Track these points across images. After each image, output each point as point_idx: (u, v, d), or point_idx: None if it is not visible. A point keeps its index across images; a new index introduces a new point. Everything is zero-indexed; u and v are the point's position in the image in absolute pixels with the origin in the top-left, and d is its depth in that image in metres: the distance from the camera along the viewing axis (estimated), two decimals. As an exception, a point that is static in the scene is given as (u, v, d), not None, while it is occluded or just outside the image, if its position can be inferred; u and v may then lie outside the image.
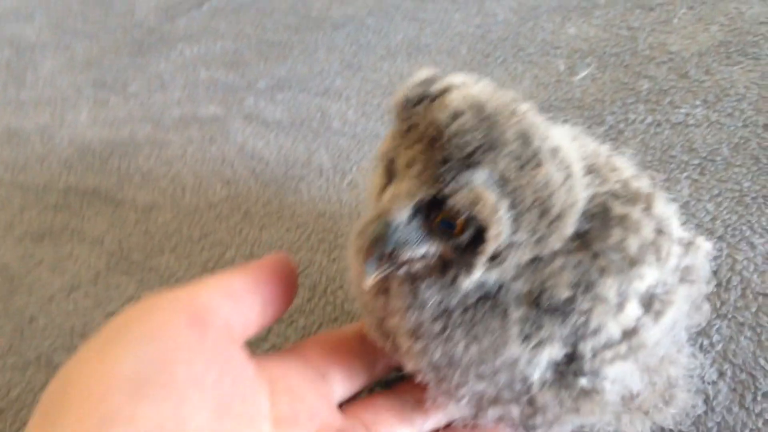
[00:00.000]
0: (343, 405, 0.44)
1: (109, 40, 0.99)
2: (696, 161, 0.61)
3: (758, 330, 0.49)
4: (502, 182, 0.31)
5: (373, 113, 0.76)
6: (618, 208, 0.35)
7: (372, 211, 0.35)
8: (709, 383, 0.47)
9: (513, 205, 0.31)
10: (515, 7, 0.88)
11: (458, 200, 0.31)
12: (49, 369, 0.56)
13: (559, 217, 0.33)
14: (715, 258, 0.53)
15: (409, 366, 0.38)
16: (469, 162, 0.31)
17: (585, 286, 0.34)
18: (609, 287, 0.34)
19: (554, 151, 0.32)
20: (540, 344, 0.34)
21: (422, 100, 0.33)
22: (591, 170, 0.36)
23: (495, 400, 0.37)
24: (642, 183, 0.38)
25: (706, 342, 0.49)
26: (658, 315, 0.36)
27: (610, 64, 0.79)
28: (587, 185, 0.35)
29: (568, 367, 0.35)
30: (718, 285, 0.51)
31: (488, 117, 0.31)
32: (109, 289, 0.62)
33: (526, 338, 0.34)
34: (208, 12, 1.02)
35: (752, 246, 0.53)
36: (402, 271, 0.34)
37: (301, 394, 0.40)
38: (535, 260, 0.34)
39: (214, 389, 0.33)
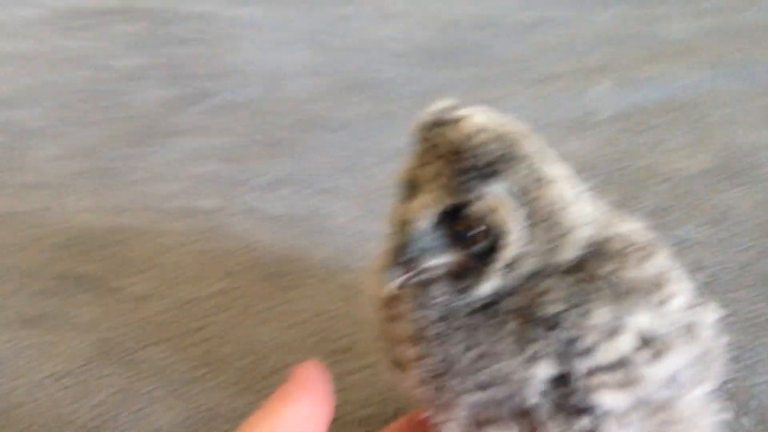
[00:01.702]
0: None
1: (107, 131, 1.01)
2: (705, 279, 0.62)
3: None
4: (520, 193, 0.35)
5: (372, 213, 0.78)
6: (617, 244, 0.38)
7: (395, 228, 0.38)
8: None
9: (528, 216, 0.35)
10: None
11: (477, 209, 0.34)
12: (35, 458, 0.54)
13: (568, 231, 0.36)
14: (731, 380, 0.53)
15: (413, 387, 0.39)
16: (489, 172, 0.35)
17: (577, 303, 0.36)
18: (601, 308, 0.36)
19: (563, 176, 0.37)
20: (533, 358, 0.36)
21: (443, 123, 0.36)
22: (596, 218, 0.39)
23: (493, 419, 0.38)
24: (648, 236, 0.41)
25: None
26: (657, 355, 0.37)
27: (600, 185, 0.82)
28: (591, 220, 0.38)
29: (566, 394, 0.36)
30: (736, 410, 0.51)
31: (507, 134, 0.36)
32: (99, 378, 0.60)
33: (521, 351, 0.36)
34: (207, 108, 1.06)
35: (769, 368, 0.54)
36: (422, 277, 0.37)
37: None
38: (533, 276, 0.37)
39: None
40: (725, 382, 0.51)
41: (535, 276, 0.37)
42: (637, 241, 0.40)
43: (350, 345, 0.62)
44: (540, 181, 0.36)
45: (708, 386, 0.43)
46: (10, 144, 0.98)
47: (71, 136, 0.99)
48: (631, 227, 0.41)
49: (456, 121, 0.37)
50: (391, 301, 0.40)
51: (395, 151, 0.88)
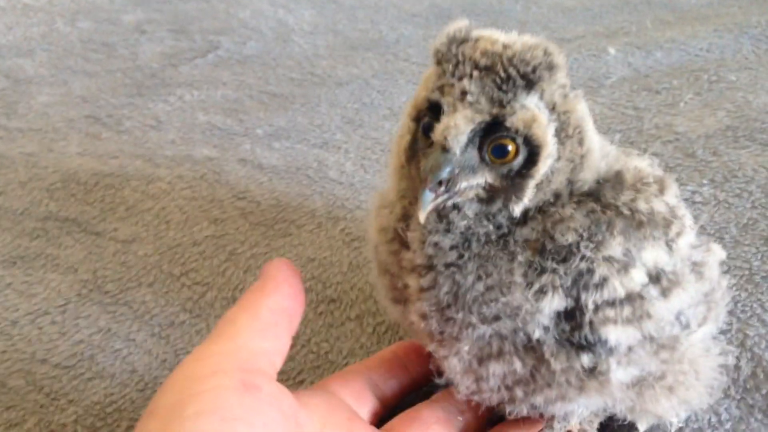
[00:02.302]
0: (390, 421, 0.44)
1: (108, 80, 0.99)
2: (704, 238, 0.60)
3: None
4: (550, 106, 0.35)
5: (371, 167, 0.75)
6: (632, 177, 0.38)
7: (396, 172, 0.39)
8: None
9: (558, 130, 0.35)
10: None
11: (516, 120, 0.34)
12: (2, 391, 0.53)
13: (590, 150, 0.36)
14: (725, 332, 0.51)
15: (416, 321, 0.39)
16: (527, 83, 0.34)
17: (590, 234, 0.35)
18: (615, 240, 0.35)
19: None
20: (542, 291, 0.35)
21: (467, 40, 0.36)
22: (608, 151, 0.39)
23: (497, 354, 0.37)
24: (659, 171, 0.40)
25: (714, 419, 0.46)
26: (666, 291, 0.36)
27: (615, 141, 0.79)
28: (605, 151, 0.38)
29: (572, 329, 0.36)
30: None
31: (545, 46, 0.35)
32: (78, 318, 0.59)
33: (529, 284, 0.35)
34: (212, 61, 1.03)
35: (763, 323, 0.52)
36: (453, 201, 0.35)
37: (349, 427, 0.41)
38: (547, 206, 0.36)
39: None
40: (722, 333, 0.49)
41: (549, 206, 0.36)
42: (651, 175, 0.39)
43: (338, 295, 0.60)
44: (568, 97, 0.36)
45: (711, 327, 0.42)
46: (11, 89, 0.97)
47: (72, 85, 0.98)
48: (642, 162, 0.40)
49: (479, 38, 0.36)
50: (398, 231, 0.39)
51: (398, 108, 0.86)
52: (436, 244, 0.37)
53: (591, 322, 0.35)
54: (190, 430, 0.31)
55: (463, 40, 0.35)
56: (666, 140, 0.74)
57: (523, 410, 0.40)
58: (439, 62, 0.36)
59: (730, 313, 0.52)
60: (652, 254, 0.36)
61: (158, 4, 1.25)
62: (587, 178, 0.37)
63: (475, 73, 0.34)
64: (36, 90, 0.97)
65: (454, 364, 0.39)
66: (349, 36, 1.11)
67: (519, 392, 0.39)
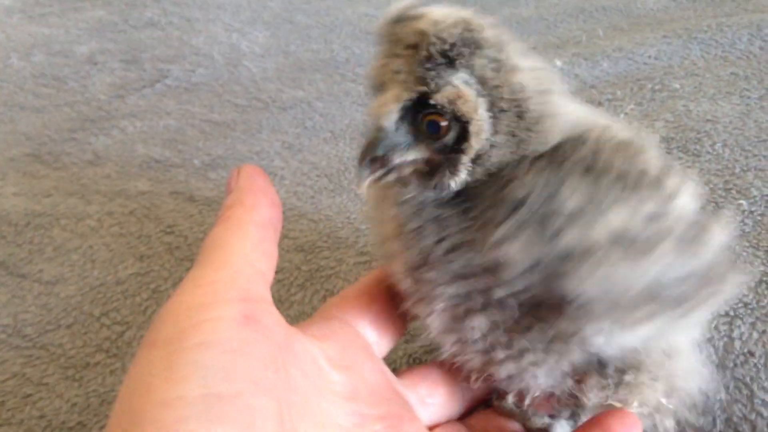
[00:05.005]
0: (400, 372, 0.46)
1: (55, 115, 1.01)
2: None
3: None
4: (481, 82, 0.36)
5: (304, 194, 0.76)
6: (594, 134, 0.38)
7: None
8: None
9: (491, 105, 0.36)
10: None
11: (441, 97, 0.36)
12: None
13: (537, 121, 0.37)
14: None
15: (398, 280, 0.42)
16: (450, 60, 0.36)
17: (543, 188, 0.35)
18: (568, 192, 0.35)
19: (534, 67, 0.37)
20: (502, 241, 0.36)
21: (406, 18, 0.37)
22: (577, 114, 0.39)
23: (471, 312, 0.39)
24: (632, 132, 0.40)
25: None
26: (632, 255, 0.35)
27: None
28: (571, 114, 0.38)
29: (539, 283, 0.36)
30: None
31: (467, 23, 0.36)
32: (-8, 364, 0.60)
33: (489, 237, 0.36)
34: (160, 91, 1.05)
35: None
36: (393, 176, 0.38)
37: (359, 368, 0.41)
38: (505, 166, 0.37)
39: (273, 389, 0.34)
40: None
41: (507, 166, 0.37)
42: (619, 134, 0.39)
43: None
44: (501, 71, 0.36)
45: (707, 309, 0.41)
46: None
47: (18, 122, 0.99)
48: (614, 124, 0.40)
49: (418, 15, 0.37)
50: (380, 202, 0.42)
51: (339, 131, 0.87)
52: (399, 214, 0.40)
53: (550, 274, 0.36)
54: (192, 362, 0.32)
55: (401, 19, 0.38)
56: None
57: (508, 376, 0.41)
58: (379, 42, 0.38)
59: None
60: (616, 215, 0.35)
61: (113, 33, 1.27)
62: (543, 146, 0.37)
63: (405, 52, 0.36)
64: (-20, 130, 0.98)
65: (433, 324, 0.41)
66: (300, 57, 1.12)
67: (500, 354, 0.40)
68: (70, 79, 1.12)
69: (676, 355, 0.41)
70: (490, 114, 0.36)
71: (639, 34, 1.00)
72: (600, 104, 0.84)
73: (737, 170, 0.66)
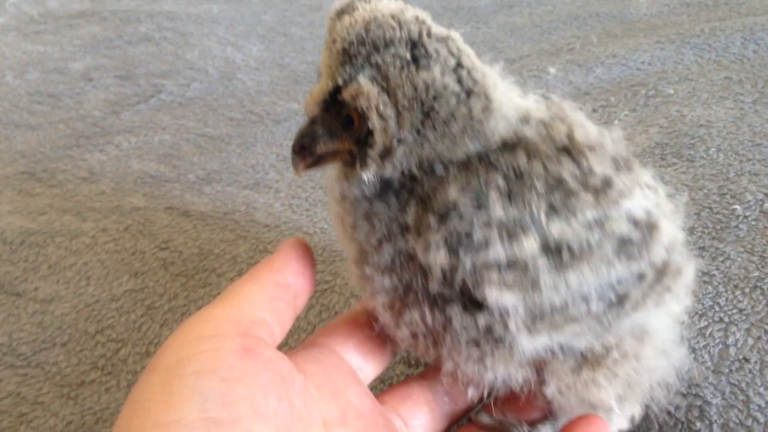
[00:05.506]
0: (380, 395, 0.46)
1: (50, 133, 1.01)
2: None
3: None
4: (383, 80, 0.37)
5: (299, 206, 0.76)
6: (532, 135, 0.38)
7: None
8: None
9: (394, 103, 0.37)
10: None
11: (346, 93, 0.37)
12: None
13: (446, 122, 0.37)
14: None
15: (352, 272, 0.43)
16: (357, 61, 0.37)
17: (472, 194, 0.36)
18: (494, 201, 0.36)
19: (459, 67, 0.37)
20: (428, 246, 0.37)
21: (345, 12, 0.38)
22: (543, 122, 0.39)
23: (410, 304, 0.40)
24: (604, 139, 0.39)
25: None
26: (563, 264, 0.36)
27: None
28: (518, 122, 0.39)
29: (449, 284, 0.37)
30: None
31: (379, 23, 0.37)
32: (-12, 383, 0.60)
33: (418, 236, 0.37)
34: (154, 106, 1.05)
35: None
36: (322, 164, 0.40)
37: (345, 394, 0.42)
38: (435, 168, 0.38)
39: (275, 417, 0.35)
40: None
41: (442, 166, 0.38)
42: (566, 137, 0.38)
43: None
44: (406, 69, 0.37)
45: (662, 314, 0.41)
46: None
47: (13, 140, 1.00)
48: (576, 119, 0.40)
49: (352, 11, 0.38)
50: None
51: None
52: (341, 210, 0.41)
53: (465, 281, 0.37)
54: (190, 388, 0.33)
55: (340, 13, 0.39)
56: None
57: (458, 369, 0.41)
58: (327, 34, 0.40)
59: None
60: (553, 225, 0.36)
61: (107, 49, 1.27)
62: (469, 147, 0.38)
63: (332, 46, 0.38)
64: (-25, 148, 0.99)
65: (382, 317, 0.42)
66: (294, 70, 1.12)
67: (444, 350, 0.40)
68: (64, 95, 1.12)
69: (646, 336, 0.41)
70: (394, 110, 0.37)
71: (632, 39, 1.00)
72: (594, 111, 0.84)
73: (731, 175, 0.66)
